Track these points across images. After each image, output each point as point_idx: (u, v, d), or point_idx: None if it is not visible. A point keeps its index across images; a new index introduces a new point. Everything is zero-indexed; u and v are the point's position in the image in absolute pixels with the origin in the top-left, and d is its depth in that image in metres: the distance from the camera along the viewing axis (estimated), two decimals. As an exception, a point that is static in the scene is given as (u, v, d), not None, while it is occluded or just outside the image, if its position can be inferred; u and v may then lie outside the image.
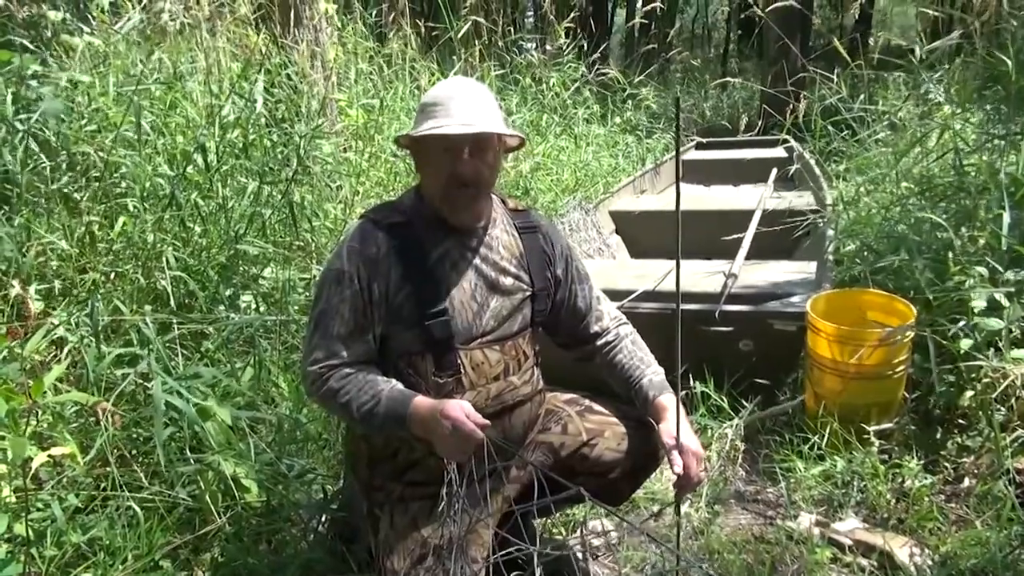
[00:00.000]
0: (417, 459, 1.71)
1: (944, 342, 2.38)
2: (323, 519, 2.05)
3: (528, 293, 1.76)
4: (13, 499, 1.81)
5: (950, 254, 2.49)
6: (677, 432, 1.66)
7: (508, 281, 1.72)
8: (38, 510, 1.87)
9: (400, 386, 1.63)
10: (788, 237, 3.79)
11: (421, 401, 1.58)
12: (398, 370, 1.68)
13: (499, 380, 1.71)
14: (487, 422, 1.52)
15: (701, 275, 3.11)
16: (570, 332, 1.89)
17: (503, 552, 1.54)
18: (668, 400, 1.76)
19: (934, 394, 2.42)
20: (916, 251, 2.49)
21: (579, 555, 2.07)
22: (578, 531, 2.18)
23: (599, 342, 1.88)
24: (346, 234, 1.71)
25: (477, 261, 1.70)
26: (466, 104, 1.58)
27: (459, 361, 1.66)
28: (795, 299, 2.71)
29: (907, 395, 2.48)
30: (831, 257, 3.20)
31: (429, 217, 1.67)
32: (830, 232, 3.34)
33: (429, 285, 1.65)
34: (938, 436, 2.38)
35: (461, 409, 1.52)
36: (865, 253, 3.21)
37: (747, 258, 3.27)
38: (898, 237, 2.97)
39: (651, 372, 1.84)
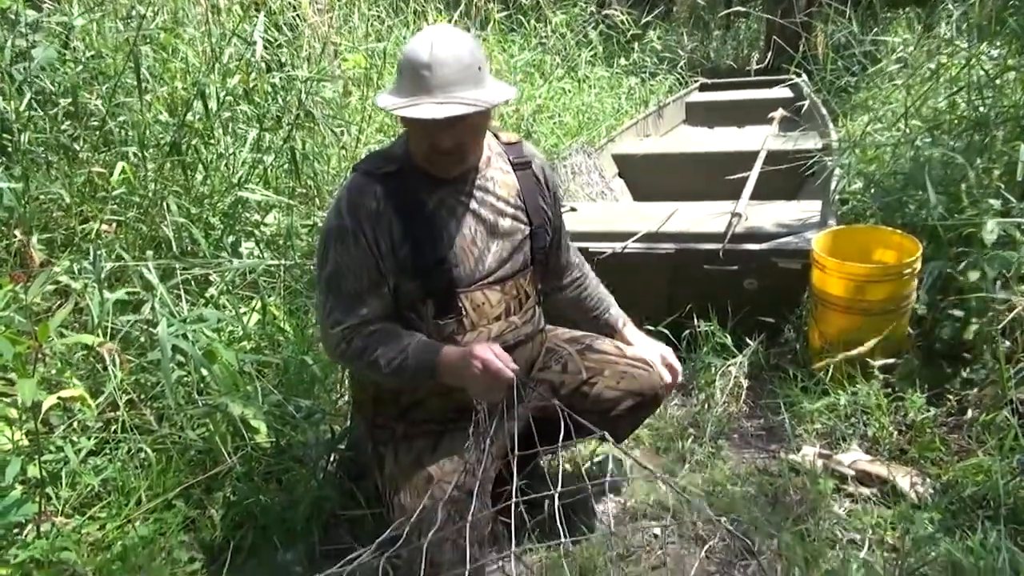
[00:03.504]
0: (419, 400, 1.73)
1: (955, 274, 2.36)
2: (331, 458, 2.08)
3: (527, 231, 1.75)
4: (26, 442, 1.84)
5: (963, 186, 2.46)
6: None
7: (507, 222, 1.71)
8: (50, 452, 1.90)
9: (424, 337, 1.63)
10: (793, 177, 3.74)
11: (450, 349, 1.59)
12: (401, 316, 1.68)
13: (500, 320, 1.71)
14: (515, 366, 1.54)
15: (706, 216, 3.08)
16: (550, 267, 1.89)
17: (525, 497, 1.53)
18: (632, 328, 2.01)
19: (939, 328, 2.41)
20: (927, 185, 2.45)
21: (583, 490, 2.10)
22: (583, 469, 2.20)
23: (567, 279, 1.98)
24: (341, 188, 1.68)
25: (474, 205, 1.67)
26: (443, 73, 1.48)
27: (460, 304, 1.66)
28: (800, 237, 2.69)
29: (911, 331, 2.48)
30: (837, 196, 3.16)
31: (421, 165, 1.64)
32: (837, 171, 3.30)
33: (429, 237, 1.63)
34: (942, 370, 2.38)
35: (490, 350, 1.53)
36: (872, 190, 3.17)
37: (752, 199, 3.24)
38: (907, 173, 2.93)
39: (612, 305, 2.02)
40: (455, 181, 1.66)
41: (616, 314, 2.01)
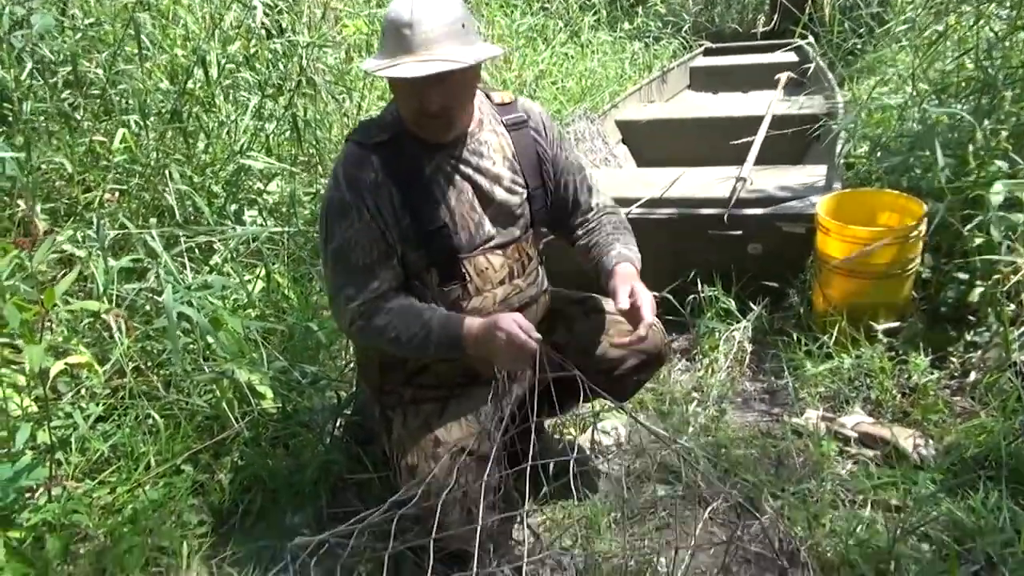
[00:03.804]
0: (426, 364, 1.73)
1: (963, 232, 2.35)
2: (337, 423, 2.10)
3: (525, 195, 1.73)
4: (35, 408, 1.86)
5: (970, 148, 2.44)
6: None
7: (504, 186, 1.69)
8: (59, 419, 1.92)
9: (443, 310, 1.62)
10: (798, 142, 3.72)
11: (472, 320, 1.58)
12: (407, 288, 1.67)
13: (504, 284, 1.71)
14: (539, 336, 1.53)
15: (710, 181, 3.07)
16: (555, 222, 1.85)
17: (542, 461, 1.53)
18: (624, 266, 1.71)
19: (944, 291, 2.41)
20: (934, 147, 2.43)
21: (588, 453, 2.12)
22: (588, 431, 2.22)
23: (579, 231, 1.85)
24: (336, 161, 1.66)
25: (470, 171, 1.65)
26: (424, 31, 1.45)
27: (464, 270, 1.66)
28: (804, 201, 2.68)
29: (916, 294, 2.48)
30: (842, 160, 3.14)
31: (413, 131, 1.60)
32: (842, 134, 3.28)
33: (428, 206, 1.61)
34: (946, 333, 2.38)
35: (514, 321, 1.52)
36: (878, 153, 3.15)
37: (757, 164, 3.22)
38: (914, 136, 2.91)
39: (614, 247, 1.76)
40: (448, 146, 1.63)
41: (614, 256, 1.74)
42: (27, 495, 1.75)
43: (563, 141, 1.82)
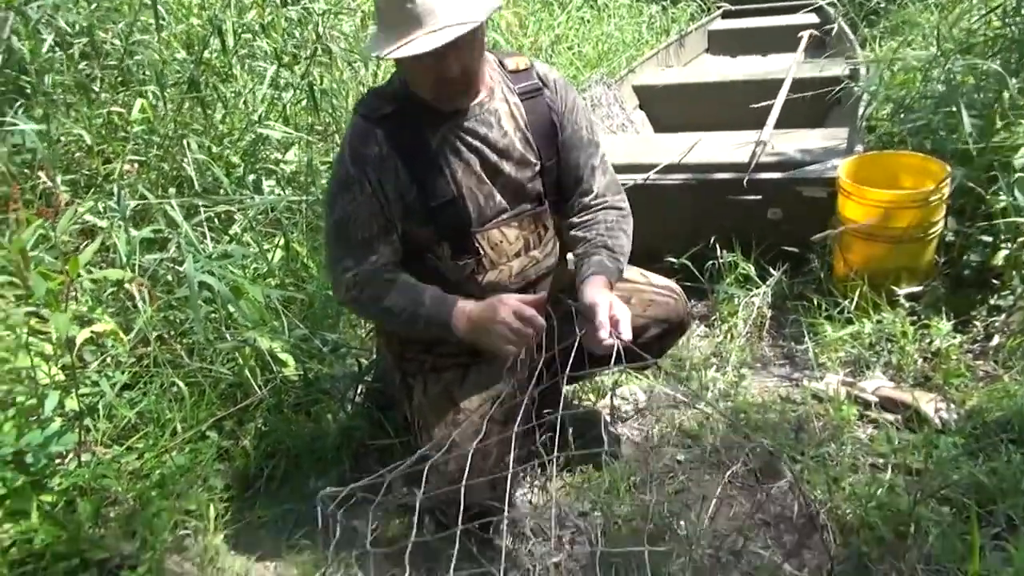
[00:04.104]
0: None
1: (987, 195, 2.31)
2: (359, 389, 2.12)
3: (537, 167, 1.68)
4: (62, 376, 1.89)
5: (996, 108, 2.39)
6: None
7: (514, 159, 1.64)
8: (86, 386, 1.95)
9: (438, 290, 1.61)
10: (820, 104, 3.65)
11: (466, 304, 1.58)
12: (421, 261, 1.67)
13: (520, 256, 1.70)
14: (542, 322, 1.50)
15: (729, 146, 3.03)
16: (566, 195, 1.77)
17: (563, 413, 1.50)
18: (596, 280, 1.60)
19: (967, 254, 2.38)
20: (959, 107, 2.38)
21: (607, 419, 2.13)
22: (607, 397, 2.22)
23: (574, 218, 1.74)
24: (344, 134, 1.64)
25: (478, 143, 1.61)
26: None
27: (477, 244, 1.64)
28: (825, 165, 2.64)
29: (938, 258, 2.45)
30: (864, 122, 3.09)
31: (419, 102, 1.56)
32: (865, 96, 3.22)
33: (435, 179, 1.59)
34: (969, 297, 2.36)
35: (513, 311, 1.51)
36: (901, 114, 3.09)
37: (777, 127, 3.17)
38: (938, 96, 2.85)
39: (605, 254, 1.66)
40: (456, 116, 1.59)
41: (593, 264, 1.64)
42: (57, 461, 1.78)
43: (576, 113, 1.73)
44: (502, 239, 1.66)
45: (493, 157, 1.62)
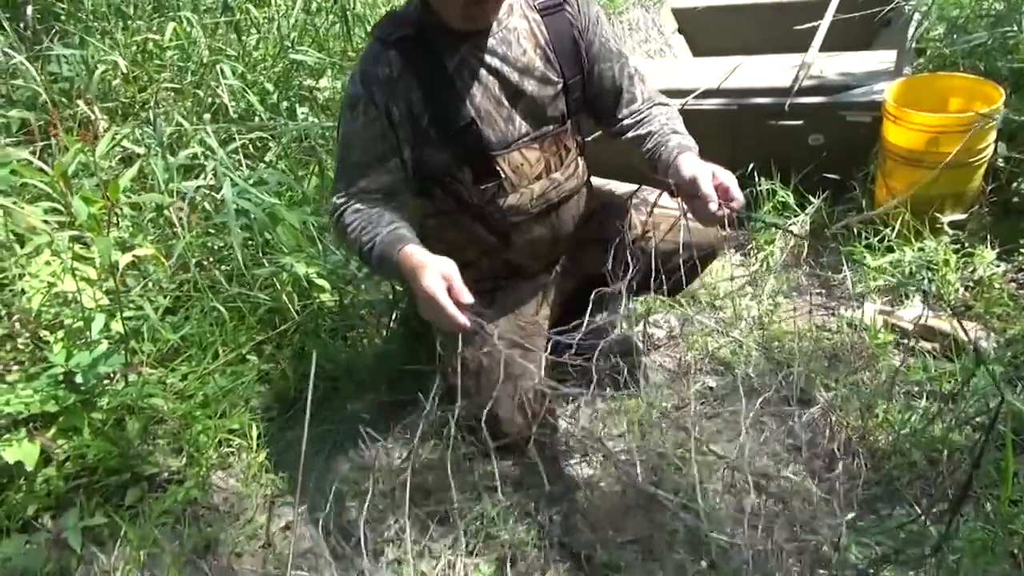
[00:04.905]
0: (470, 260, 1.72)
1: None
2: (393, 315, 2.15)
3: (560, 86, 1.64)
4: (106, 301, 1.94)
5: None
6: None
7: (536, 77, 1.61)
8: (130, 309, 2.01)
9: (401, 231, 1.49)
10: (868, 25, 3.50)
11: (406, 256, 1.42)
12: (442, 186, 1.66)
13: (542, 179, 1.68)
14: (470, 299, 1.34)
15: (771, 70, 2.93)
16: (597, 113, 1.77)
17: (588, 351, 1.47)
18: (687, 156, 1.55)
19: (1016, 182, 2.30)
20: (1019, 25, 2.26)
21: (640, 346, 2.13)
22: (640, 324, 2.23)
23: (626, 123, 1.73)
24: (360, 56, 1.61)
25: (497, 63, 1.57)
26: None
27: (498, 167, 1.62)
28: (870, 88, 2.55)
29: (986, 185, 2.37)
30: (914, 44, 2.96)
31: (437, 25, 1.53)
32: (916, 15, 3.08)
33: (452, 102, 1.55)
34: (1016, 225, 2.29)
35: (443, 281, 1.33)
36: (954, 35, 2.96)
37: (823, 50, 3.05)
38: (995, 15, 2.72)
39: (672, 137, 1.64)
40: (475, 37, 1.55)
41: (674, 147, 1.61)
42: (105, 381, 1.85)
43: (600, 25, 1.69)
44: (523, 161, 1.65)
45: (513, 77, 1.59)
